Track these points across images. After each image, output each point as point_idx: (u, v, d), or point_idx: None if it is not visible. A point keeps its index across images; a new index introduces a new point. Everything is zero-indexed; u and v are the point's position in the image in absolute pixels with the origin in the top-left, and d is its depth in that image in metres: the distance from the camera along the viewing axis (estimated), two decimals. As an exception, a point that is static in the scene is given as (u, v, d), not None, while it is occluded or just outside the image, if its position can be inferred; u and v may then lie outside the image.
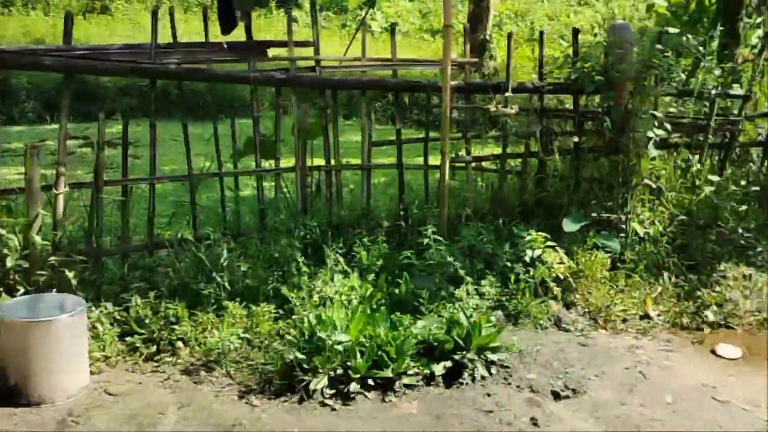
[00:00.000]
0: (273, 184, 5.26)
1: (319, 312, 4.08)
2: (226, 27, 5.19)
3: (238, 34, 5.56)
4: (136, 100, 10.70)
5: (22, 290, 4.09)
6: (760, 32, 6.38)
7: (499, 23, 20.09)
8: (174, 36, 4.83)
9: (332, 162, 5.22)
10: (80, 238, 4.78)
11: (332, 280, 4.44)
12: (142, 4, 18.88)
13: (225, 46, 4.93)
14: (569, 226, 5.04)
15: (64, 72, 4.43)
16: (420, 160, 5.63)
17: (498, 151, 5.57)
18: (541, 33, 5.51)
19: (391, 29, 5.21)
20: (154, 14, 4.65)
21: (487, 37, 13.55)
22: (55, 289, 4.17)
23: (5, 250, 4.14)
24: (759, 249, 5.36)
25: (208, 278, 4.42)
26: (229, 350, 4.08)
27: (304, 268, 4.43)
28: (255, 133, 5.04)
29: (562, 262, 4.75)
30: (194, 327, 4.23)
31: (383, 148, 5.83)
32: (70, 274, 4.24)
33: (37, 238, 4.24)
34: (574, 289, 4.90)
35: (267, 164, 5.21)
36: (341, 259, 4.73)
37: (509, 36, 5.34)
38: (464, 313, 4.14)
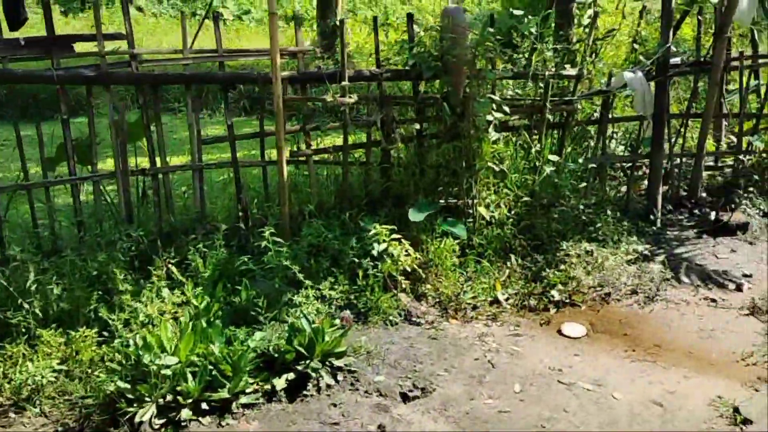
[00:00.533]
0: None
1: (145, 333, 3.69)
2: (13, 22, 4.58)
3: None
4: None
5: None
6: (591, 12, 6.53)
7: (353, 9, 19.97)
8: (-43, 32, 4.21)
9: (158, 164, 4.77)
10: None
11: (158, 295, 4.05)
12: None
13: (22, 42, 4.35)
14: (415, 215, 4.91)
15: None
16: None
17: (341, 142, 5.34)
18: (375, 19, 5.32)
19: (214, 19, 4.81)
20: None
21: (338, 22, 13.32)
22: None
23: None
24: (599, 224, 5.49)
25: (18, 305, 3.91)
26: (43, 385, 3.62)
27: (127, 286, 4.00)
28: (66, 137, 4.51)
29: (408, 254, 4.60)
30: (3, 362, 3.72)
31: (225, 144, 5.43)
32: None
33: None
34: (424, 280, 4.79)
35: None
36: (174, 270, 4.34)
37: (341, 23, 5.10)
38: (306, 319, 3.88)
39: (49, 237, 4.54)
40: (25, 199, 4.91)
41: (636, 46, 7.58)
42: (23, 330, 3.86)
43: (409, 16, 5.25)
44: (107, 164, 5.17)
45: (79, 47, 4.58)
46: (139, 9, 19.96)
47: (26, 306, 3.85)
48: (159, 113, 4.72)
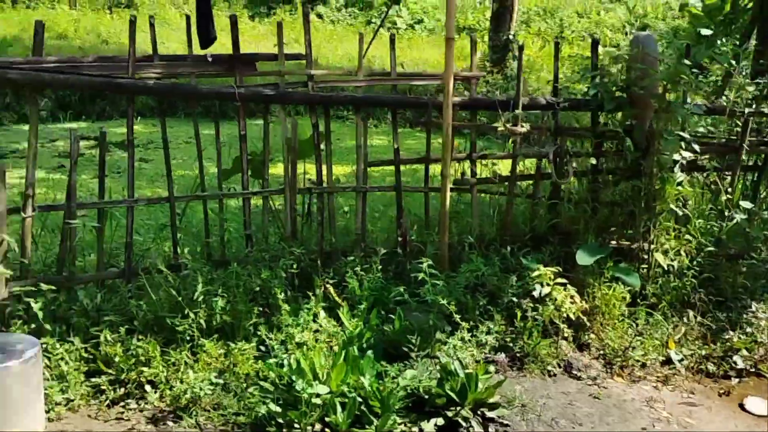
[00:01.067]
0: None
1: (298, 357, 3.70)
2: (205, 40, 4.80)
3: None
4: (152, 100, 10.42)
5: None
6: (801, 40, 5.83)
7: (527, 20, 19.50)
8: (154, 47, 4.47)
9: (324, 182, 4.81)
10: (51, 264, 4.47)
11: (314, 319, 4.05)
12: (168, -2, 18.82)
13: (209, 59, 4.54)
14: (584, 258, 4.56)
15: (29, 86, 4.10)
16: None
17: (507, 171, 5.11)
18: (556, 44, 5.03)
19: (391, 40, 4.77)
20: (132, 24, 4.29)
21: (511, 37, 13.00)
22: (20, 322, 3.88)
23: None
24: (795, 284, 4.85)
25: (185, 313, 4.07)
26: (200, 397, 3.72)
27: (285, 306, 4.04)
28: (242, 152, 4.66)
29: (574, 302, 4.28)
30: (166, 367, 3.88)
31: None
32: (36, 306, 3.92)
33: None
34: (588, 328, 4.45)
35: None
36: (332, 291, 4.34)
37: (520, 49, 4.86)
38: (459, 362, 3.71)
39: (218, 247, 4.71)
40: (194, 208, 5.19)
41: None
42: (187, 338, 4.01)
43: (594, 44, 4.90)
44: (276, 168, 5.26)
45: (260, 65, 4.72)
46: (319, 16, 20.79)
47: (192, 315, 3.98)
48: (329, 133, 4.75)
